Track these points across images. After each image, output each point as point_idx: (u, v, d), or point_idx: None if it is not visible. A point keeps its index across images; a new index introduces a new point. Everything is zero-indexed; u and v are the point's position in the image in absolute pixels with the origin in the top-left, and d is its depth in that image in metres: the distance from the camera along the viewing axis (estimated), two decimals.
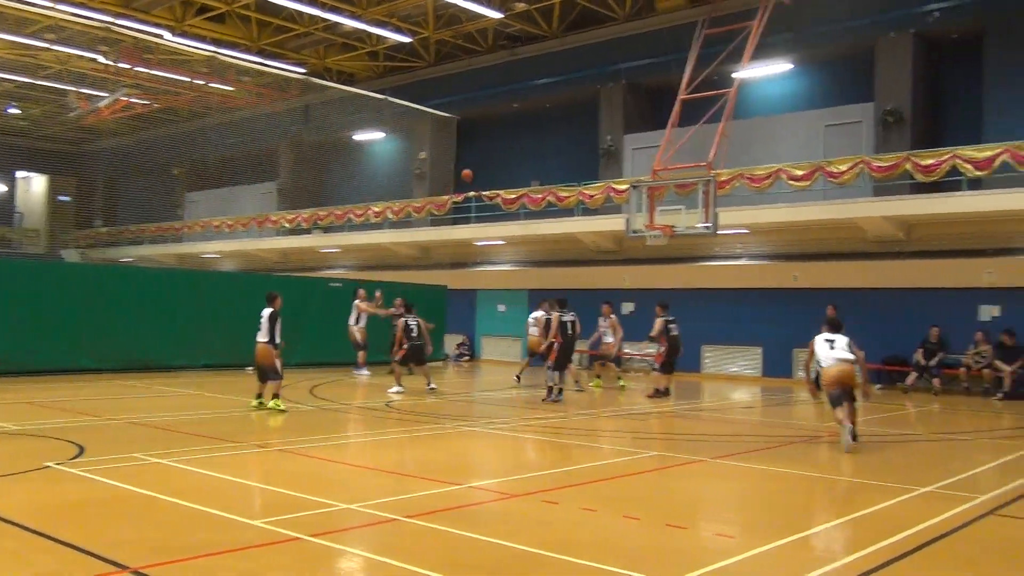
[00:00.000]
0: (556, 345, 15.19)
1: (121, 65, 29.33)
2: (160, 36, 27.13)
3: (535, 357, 18.35)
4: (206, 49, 28.14)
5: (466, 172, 18.96)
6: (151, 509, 6.68)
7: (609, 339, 18.11)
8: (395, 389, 15.99)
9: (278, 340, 12.59)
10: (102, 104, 33.68)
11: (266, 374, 12.64)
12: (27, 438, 9.79)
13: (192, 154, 37.82)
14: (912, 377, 19.40)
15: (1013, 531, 6.90)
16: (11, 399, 13.54)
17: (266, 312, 12.64)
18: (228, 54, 28.48)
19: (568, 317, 15.63)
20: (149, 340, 19.14)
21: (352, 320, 20.39)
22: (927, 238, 20.53)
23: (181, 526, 6.18)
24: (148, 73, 30.39)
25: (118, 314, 18.76)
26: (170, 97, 34.06)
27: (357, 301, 20.41)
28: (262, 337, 12.59)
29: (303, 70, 31.12)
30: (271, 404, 12.47)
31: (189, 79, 31.15)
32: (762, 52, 19.88)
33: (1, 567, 5.22)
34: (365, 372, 19.90)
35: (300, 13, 26.91)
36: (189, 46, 27.76)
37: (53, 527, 6.10)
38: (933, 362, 19.22)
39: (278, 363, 12.54)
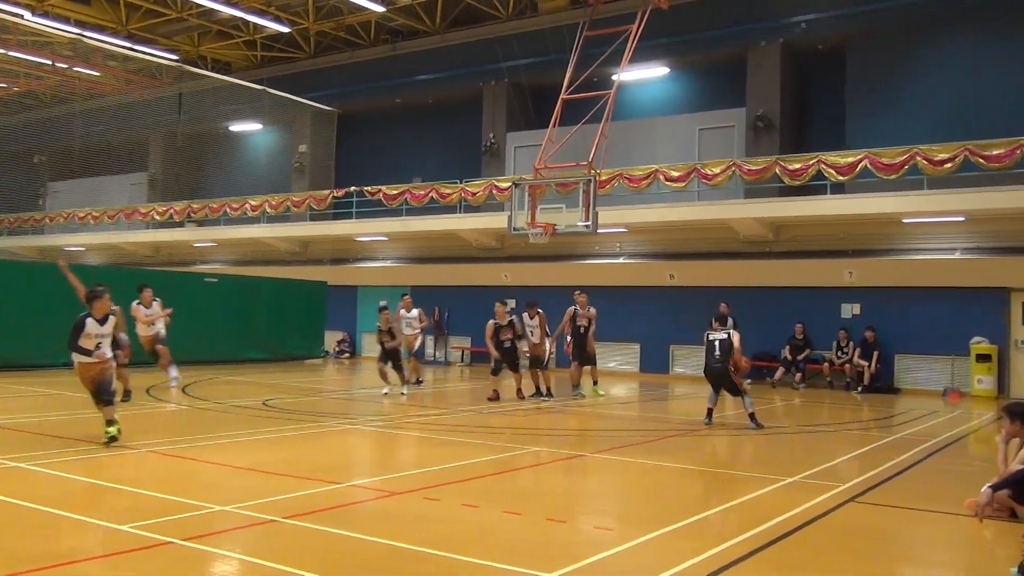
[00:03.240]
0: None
1: None
2: (20, 16, 25.63)
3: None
4: (70, 31, 26.75)
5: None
6: (10, 516, 6.30)
7: (534, 340, 15.96)
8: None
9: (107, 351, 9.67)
10: None
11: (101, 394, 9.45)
12: None
13: (55, 142, 35.83)
14: (780, 372, 20.28)
15: (871, 517, 7.28)
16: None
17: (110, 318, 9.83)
18: (94, 37, 27.15)
19: (718, 335, 12.54)
20: (7, 337, 18.03)
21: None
22: (794, 239, 21.50)
23: (43, 533, 5.85)
24: (6, 55, 28.62)
25: None
26: (31, 81, 32.22)
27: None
28: (107, 350, 9.66)
29: (175, 57, 29.99)
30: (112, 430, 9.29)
31: (51, 62, 29.51)
32: (641, 56, 20.33)
33: None
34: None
35: None
36: (51, 27, 26.31)
37: None
38: (799, 357, 20.17)
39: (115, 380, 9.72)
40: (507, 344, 15.41)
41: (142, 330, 15.53)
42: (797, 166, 19.98)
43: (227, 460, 8.81)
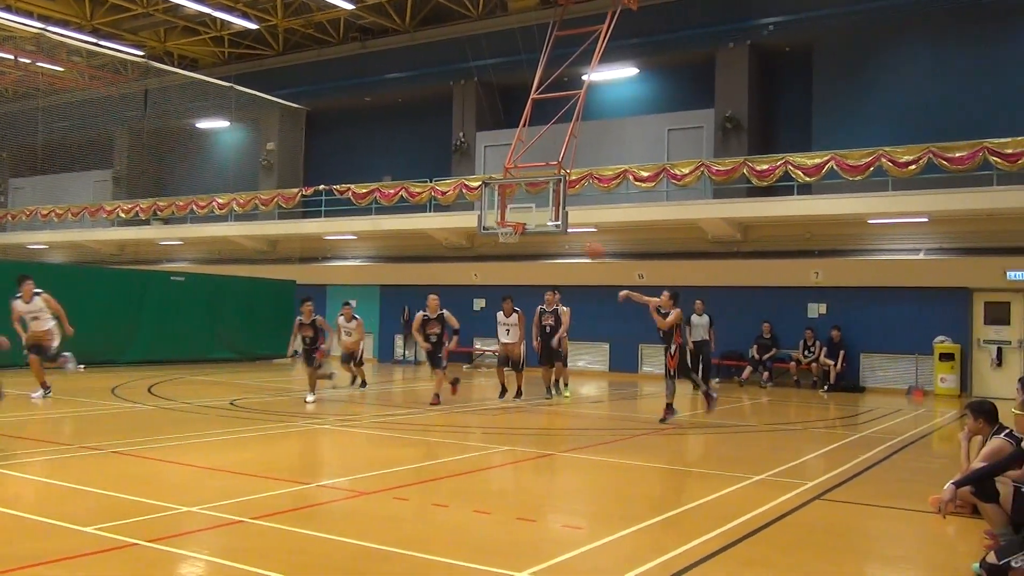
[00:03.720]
0: (676, 349, 13.18)
1: None
2: None
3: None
4: (33, 26, 26.31)
5: (594, 248, 16.77)
6: None
7: (507, 340, 15.43)
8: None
9: None
10: None
11: None
12: None
13: (17, 137, 35.23)
14: (747, 371, 20.45)
15: (837, 514, 7.36)
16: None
17: None
18: (58, 32, 26.73)
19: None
20: None
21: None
22: (761, 239, 21.68)
23: (3, 536, 5.74)
24: None
25: None
26: None
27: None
28: None
29: (141, 53, 29.59)
30: None
31: (13, 57, 29.00)
32: (610, 56, 20.40)
33: None
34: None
35: None
36: (14, 21, 25.84)
37: None
38: (766, 356, 20.35)
39: None
40: (433, 338, 14.45)
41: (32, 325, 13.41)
42: (765, 167, 20.15)
43: (194, 460, 8.71)
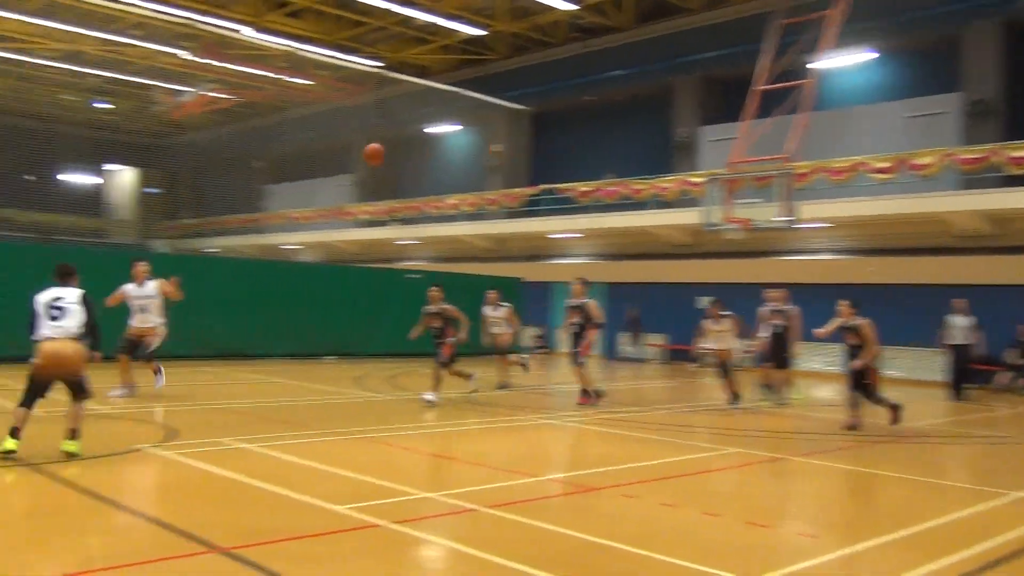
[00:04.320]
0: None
1: (202, 60, 30.13)
2: (238, 32, 27.75)
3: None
4: (284, 44, 28.71)
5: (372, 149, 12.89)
6: (238, 492, 6.88)
7: (719, 346, 14.25)
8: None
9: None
10: (184, 99, 34.65)
11: (77, 386, 7.71)
12: (121, 421, 10.16)
13: (272, 147, 38.67)
14: (1004, 377, 18.75)
15: None
16: (107, 383, 13.18)
17: (75, 293, 7.76)
18: (306, 49, 28.99)
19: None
20: (232, 328, 19.55)
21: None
22: (1018, 232, 19.79)
23: (267, 510, 6.34)
24: (229, 68, 31.14)
25: (203, 302, 19.18)
26: (250, 91, 34.83)
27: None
28: (66, 328, 7.55)
29: (379, 63, 31.51)
30: (70, 447, 7.59)
31: (269, 74, 31.82)
32: (841, 41, 19.39)
33: (95, 542, 5.46)
34: None
35: (374, 7, 27.13)
36: (268, 41, 28.33)
37: (145, 506, 6.43)
38: None
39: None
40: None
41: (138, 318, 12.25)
42: (1022, 154, 18.40)
43: (432, 449, 9.19)
